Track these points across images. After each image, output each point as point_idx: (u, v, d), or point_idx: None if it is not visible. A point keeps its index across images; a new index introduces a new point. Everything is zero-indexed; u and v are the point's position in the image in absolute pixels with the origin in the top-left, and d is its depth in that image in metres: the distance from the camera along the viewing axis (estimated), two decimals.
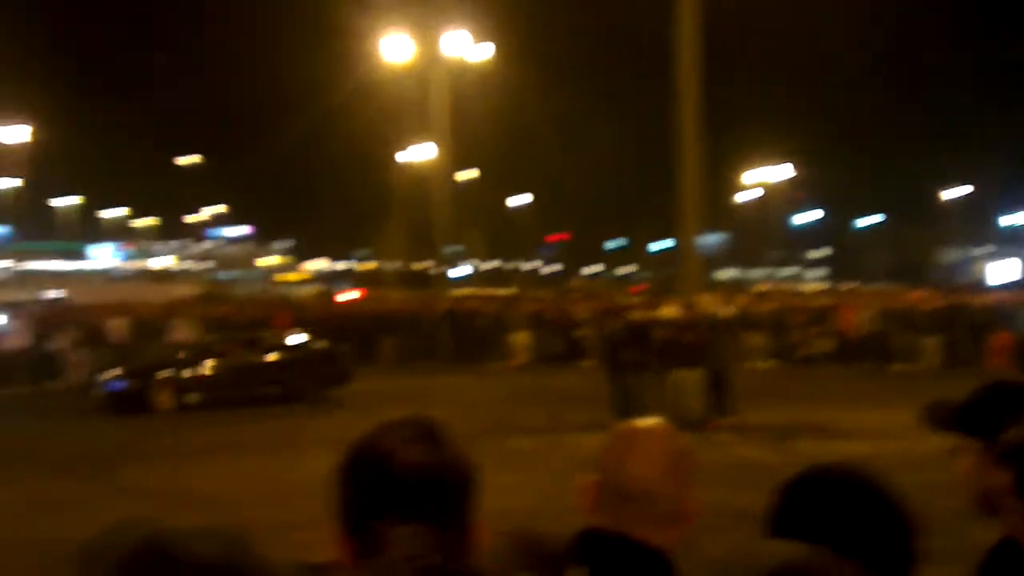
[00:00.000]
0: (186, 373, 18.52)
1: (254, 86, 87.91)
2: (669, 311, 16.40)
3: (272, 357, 19.53)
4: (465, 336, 26.71)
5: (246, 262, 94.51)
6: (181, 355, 19.67)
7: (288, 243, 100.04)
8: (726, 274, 77.17)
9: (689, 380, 14.87)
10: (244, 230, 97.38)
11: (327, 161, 79.91)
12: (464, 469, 1.50)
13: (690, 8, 17.35)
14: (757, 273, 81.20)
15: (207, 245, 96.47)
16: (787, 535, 1.56)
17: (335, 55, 54.70)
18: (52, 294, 43.58)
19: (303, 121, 65.51)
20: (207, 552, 1.08)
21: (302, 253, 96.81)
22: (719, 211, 56.81)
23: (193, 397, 18.31)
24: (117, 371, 18.81)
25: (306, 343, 20.68)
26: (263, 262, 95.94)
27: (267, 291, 58.36)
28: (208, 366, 18.76)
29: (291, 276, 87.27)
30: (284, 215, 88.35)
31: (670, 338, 15.29)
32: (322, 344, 21.02)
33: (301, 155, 79.00)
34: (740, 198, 74.53)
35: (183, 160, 78.78)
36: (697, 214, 17.81)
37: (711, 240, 56.78)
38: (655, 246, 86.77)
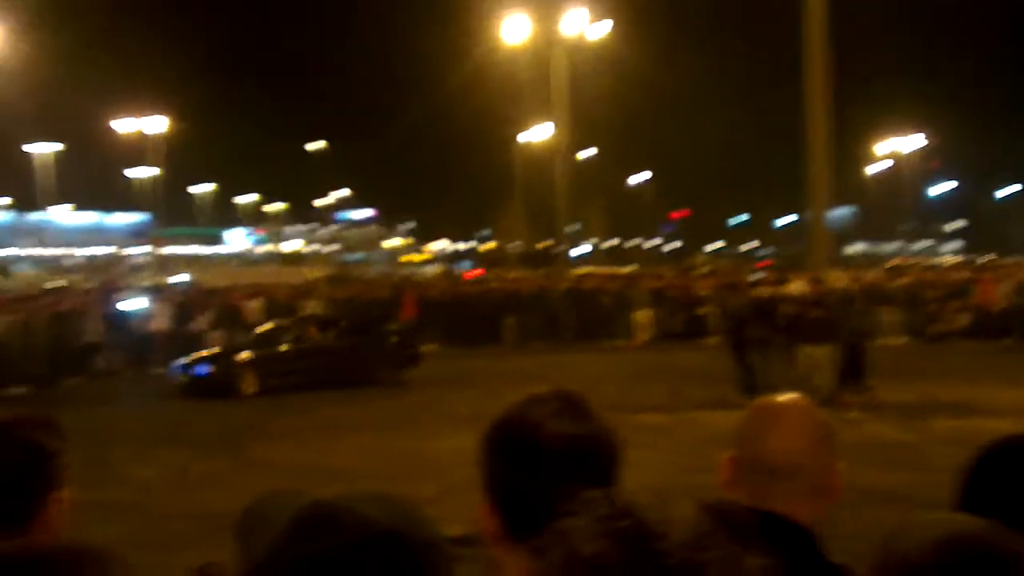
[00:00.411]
0: (267, 356, 18.28)
1: (377, 72, 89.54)
2: (796, 287, 16.01)
3: (346, 341, 19.36)
4: (587, 314, 26.69)
5: (371, 244, 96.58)
6: (261, 339, 19.30)
7: (410, 225, 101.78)
8: (855, 249, 74.83)
9: (818, 356, 14.51)
10: (368, 213, 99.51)
11: (448, 143, 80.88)
12: (611, 441, 1.50)
13: None
14: (889, 247, 78.42)
15: (334, 228, 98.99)
16: (977, 505, 1.51)
17: (455, 37, 55.23)
18: (189, 278, 45.42)
19: (423, 104, 66.38)
20: (375, 517, 1.10)
21: (424, 234, 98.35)
22: (848, 184, 55.00)
23: (274, 381, 17.77)
24: (200, 355, 18.89)
25: (380, 326, 20.74)
26: (388, 244, 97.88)
27: (393, 272, 59.55)
28: (289, 349, 18.66)
29: (415, 257, 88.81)
30: (406, 197, 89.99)
31: (798, 314, 14.94)
32: (395, 326, 21.30)
33: (422, 137, 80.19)
34: (870, 170, 71.96)
35: (311, 146, 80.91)
36: (826, 187, 17.33)
37: (840, 214, 55.03)
38: (779, 222, 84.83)
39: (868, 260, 55.68)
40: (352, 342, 19.32)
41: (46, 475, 1.85)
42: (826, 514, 1.85)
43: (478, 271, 48.51)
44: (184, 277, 48.74)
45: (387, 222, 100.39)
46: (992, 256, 50.04)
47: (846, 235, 69.17)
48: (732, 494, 1.84)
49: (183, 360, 18.69)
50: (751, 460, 1.84)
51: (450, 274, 50.49)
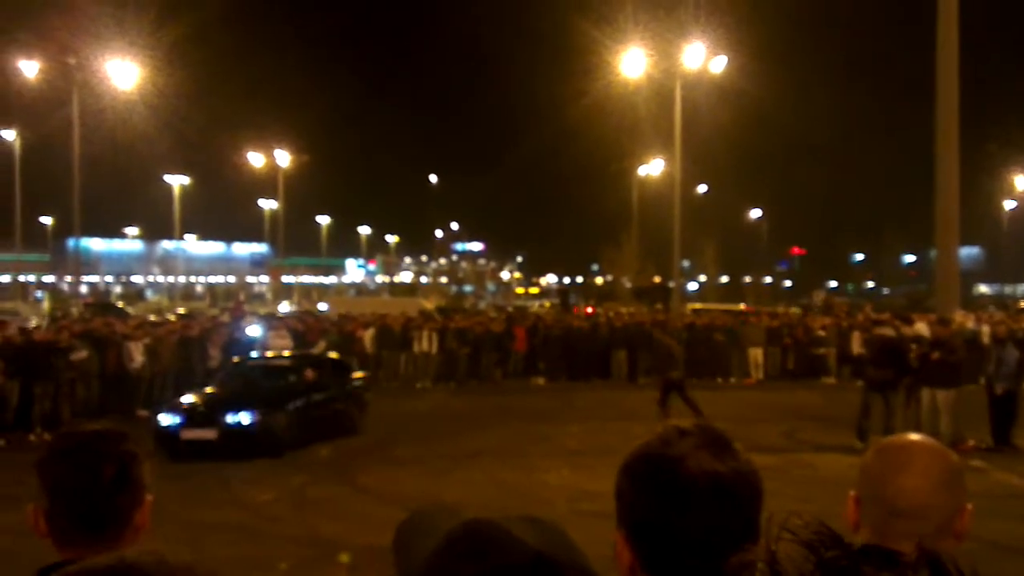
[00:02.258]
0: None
1: (494, 108, 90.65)
2: (921, 328, 15.51)
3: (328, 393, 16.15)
4: (699, 352, 26.35)
5: (484, 276, 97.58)
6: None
7: (521, 258, 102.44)
8: (981, 290, 71.93)
9: (941, 400, 14.01)
10: (479, 246, 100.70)
11: (560, 178, 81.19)
12: (753, 480, 1.47)
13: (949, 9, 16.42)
14: (1021, 288, 75.17)
15: (446, 260, 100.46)
16: None
17: (572, 73, 55.55)
18: (307, 306, 46.63)
19: (537, 140, 66.83)
20: (528, 539, 1.10)
21: (534, 268, 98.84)
22: (974, 223, 53.05)
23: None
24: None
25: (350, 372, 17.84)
26: (497, 277, 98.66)
27: (505, 304, 59.94)
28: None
29: (529, 290, 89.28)
30: (517, 231, 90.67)
31: (924, 356, 14.46)
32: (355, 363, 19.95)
33: (535, 172, 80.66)
34: (999, 208, 69.29)
35: (426, 180, 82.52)
36: (955, 226, 16.77)
37: (966, 253, 53.09)
38: (903, 260, 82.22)
39: (995, 302, 53.45)
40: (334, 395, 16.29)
41: (135, 485, 1.94)
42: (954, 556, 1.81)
43: (588, 307, 48.37)
44: (322, 306, 49.96)
45: (499, 255, 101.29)
46: None
47: (972, 275, 66.61)
48: (861, 535, 1.82)
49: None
50: (877, 499, 1.82)
51: (560, 308, 50.54)
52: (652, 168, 53.41)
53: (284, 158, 62.63)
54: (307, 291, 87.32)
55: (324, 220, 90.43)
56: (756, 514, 1.45)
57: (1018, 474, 12.64)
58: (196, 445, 13.77)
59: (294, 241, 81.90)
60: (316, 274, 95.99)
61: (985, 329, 22.44)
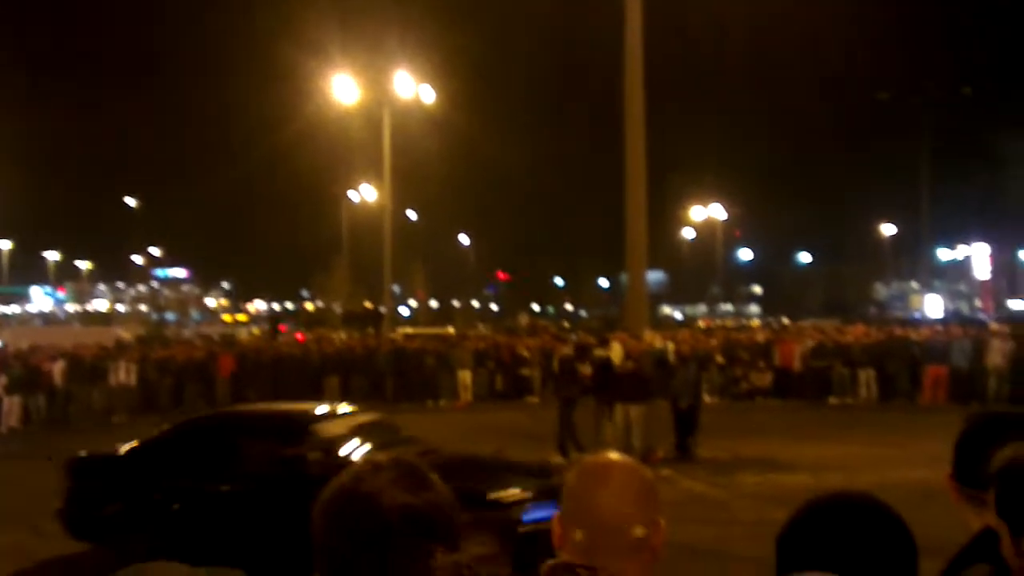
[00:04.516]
0: None
1: (196, 128, 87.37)
2: (615, 348, 16.60)
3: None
4: (410, 375, 26.67)
5: (188, 304, 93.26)
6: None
7: (228, 285, 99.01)
8: (666, 311, 78.25)
9: (632, 415, 15.08)
10: (182, 272, 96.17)
11: (267, 202, 79.56)
12: (448, 511, 1.47)
13: (634, 53, 17.80)
14: (698, 310, 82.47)
15: (148, 287, 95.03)
16: (799, 560, 1.61)
17: (283, 98, 54.67)
18: None
19: (242, 163, 65.18)
20: None
21: (243, 294, 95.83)
22: (660, 250, 57.59)
23: None
24: None
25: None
26: (203, 304, 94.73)
27: (210, 332, 57.56)
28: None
29: (237, 317, 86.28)
30: (223, 256, 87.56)
31: (615, 373, 15.52)
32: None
33: (241, 197, 78.50)
34: (679, 237, 75.87)
35: (122, 202, 77.71)
36: (643, 251, 18.11)
37: (652, 278, 57.46)
38: (598, 284, 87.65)
39: (677, 323, 58.25)
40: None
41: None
42: (650, 570, 1.88)
43: (298, 333, 47.52)
44: None
45: (204, 282, 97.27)
46: (786, 320, 53.34)
47: (659, 298, 72.24)
48: (564, 553, 1.85)
49: None
50: (578, 516, 1.85)
51: (270, 334, 49.29)
52: (363, 194, 53.54)
53: None
54: None
55: (4, 244, 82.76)
56: (452, 544, 1.44)
57: (701, 480, 13.84)
58: None
59: None
60: None
61: (671, 347, 24.35)
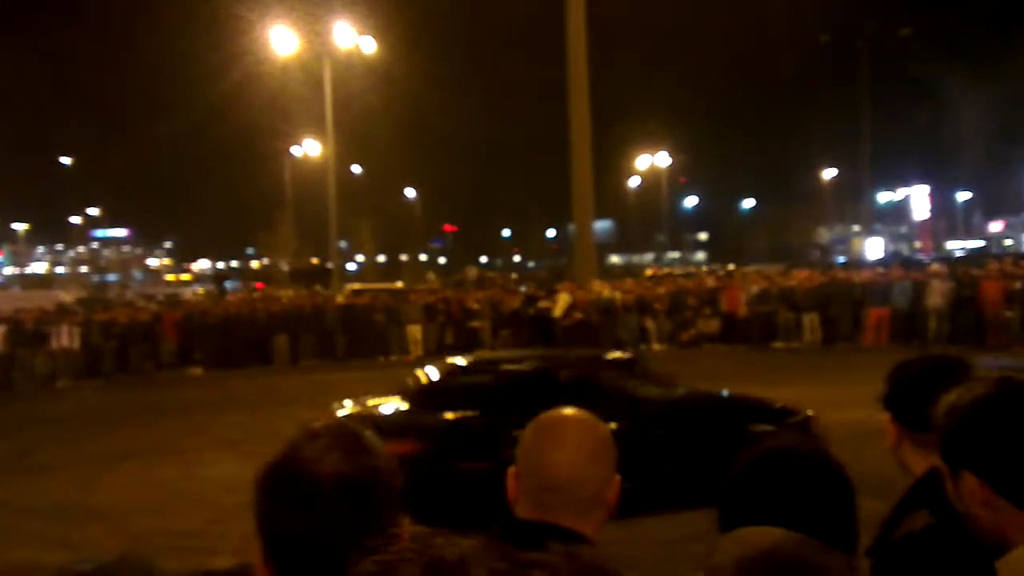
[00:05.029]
0: None
1: (132, 82, 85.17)
2: (563, 297, 16.67)
3: None
4: (360, 331, 26.55)
5: (130, 264, 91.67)
6: None
7: (170, 244, 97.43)
8: (614, 260, 78.66)
9: None
10: (123, 232, 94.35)
11: (208, 158, 78.16)
12: (387, 477, 1.44)
13: (577, 2, 17.68)
14: (645, 258, 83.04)
15: (87, 248, 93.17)
16: (741, 511, 1.62)
17: (220, 49, 53.49)
18: None
19: (182, 118, 63.84)
20: None
21: (186, 253, 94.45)
22: (607, 198, 57.72)
23: None
24: None
25: None
26: (145, 264, 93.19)
27: (154, 293, 56.74)
28: None
29: (180, 276, 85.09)
30: (164, 215, 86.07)
31: (564, 323, 15.60)
32: None
33: (180, 153, 76.98)
34: (625, 186, 75.99)
35: (57, 162, 75.80)
36: (590, 201, 18.16)
37: (601, 226, 57.65)
38: (546, 235, 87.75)
39: (626, 271, 58.58)
40: None
41: None
42: (604, 525, 1.89)
43: (258, 283, 46.98)
44: None
45: (146, 241, 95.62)
46: (732, 266, 53.88)
47: (606, 247, 72.58)
48: (520, 509, 1.85)
49: None
50: (533, 473, 1.85)
51: (214, 294, 48.71)
52: (306, 149, 52.82)
53: None
54: None
55: None
56: (393, 510, 1.42)
57: None
58: None
59: None
60: None
61: (618, 296, 24.54)
